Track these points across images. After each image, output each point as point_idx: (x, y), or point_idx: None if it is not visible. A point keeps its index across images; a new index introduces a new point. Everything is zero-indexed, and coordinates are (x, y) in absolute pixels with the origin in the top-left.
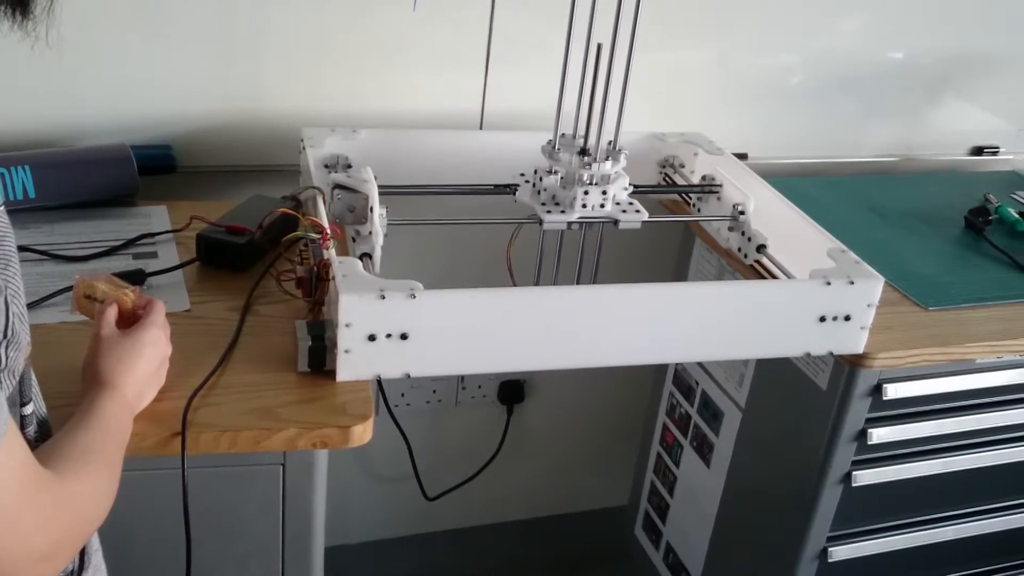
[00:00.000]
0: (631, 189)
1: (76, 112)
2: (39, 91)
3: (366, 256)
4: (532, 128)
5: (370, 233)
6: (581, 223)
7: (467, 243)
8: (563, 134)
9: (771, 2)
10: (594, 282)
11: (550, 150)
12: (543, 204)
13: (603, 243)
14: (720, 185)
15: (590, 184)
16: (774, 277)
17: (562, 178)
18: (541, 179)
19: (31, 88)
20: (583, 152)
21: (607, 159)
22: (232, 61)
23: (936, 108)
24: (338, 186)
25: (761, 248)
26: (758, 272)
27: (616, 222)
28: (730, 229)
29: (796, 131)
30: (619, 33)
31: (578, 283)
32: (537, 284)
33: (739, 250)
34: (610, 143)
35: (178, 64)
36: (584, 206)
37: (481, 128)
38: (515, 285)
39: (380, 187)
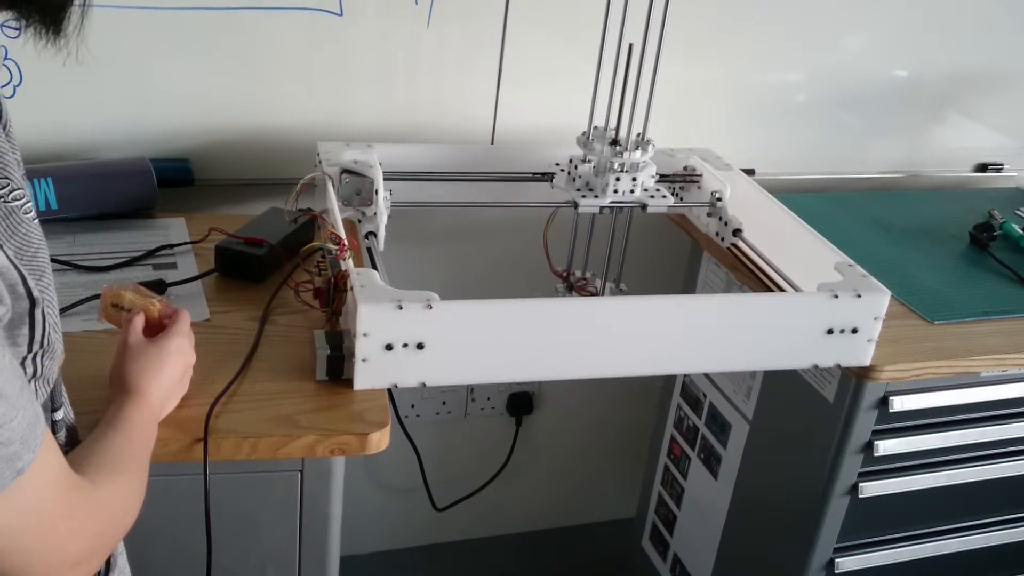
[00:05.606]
0: (658, 177)
1: (97, 126)
2: (61, 105)
3: (371, 234)
4: (542, 143)
5: (375, 214)
6: (612, 207)
7: (477, 247)
8: (596, 126)
9: (777, 21)
10: (622, 265)
11: (584, 140)
12: (578, 190)
13: (616, 236)
14: (700, 175)
15: (621, 171)
16: (781, 289)
17: (595, 166)
18: (576, 167)
19: (53, 102)
20: (614, 142)
21: (637, 149)
22: (249, 76)
23: (940, 125)
24: (346, 171)
25: (737, 232)
26: (765, 285)
27: (644, 206)
28: (708, 215)
29: (802, 147)
30: (648, 35)
31: (608, 265)
32: (570, 267)
33: (717, 234)
34: (639, 135)
35: (197, 79)
36: (616, 191)
37: (492, 143)
38: (552, 267)
39: (392, 173)
